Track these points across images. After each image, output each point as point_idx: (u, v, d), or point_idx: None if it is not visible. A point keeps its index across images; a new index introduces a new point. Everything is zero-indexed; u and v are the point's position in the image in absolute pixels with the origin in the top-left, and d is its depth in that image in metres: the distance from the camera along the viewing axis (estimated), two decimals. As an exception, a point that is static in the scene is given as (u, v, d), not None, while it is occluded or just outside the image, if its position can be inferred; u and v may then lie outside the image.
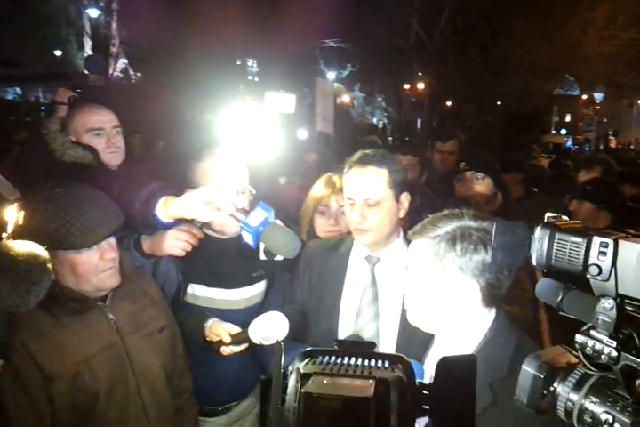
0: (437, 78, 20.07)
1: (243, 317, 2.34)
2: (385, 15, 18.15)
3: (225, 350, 2.15)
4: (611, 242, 0.98)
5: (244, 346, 2.12)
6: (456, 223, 1.56)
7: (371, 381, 0.75)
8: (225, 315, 2.31)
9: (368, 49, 20.43)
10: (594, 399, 0.99)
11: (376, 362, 0.81)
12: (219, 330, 2.15)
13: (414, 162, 4.41)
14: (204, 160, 2.30)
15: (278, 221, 2.34)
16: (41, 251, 1.39)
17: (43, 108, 13.88)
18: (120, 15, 22.41)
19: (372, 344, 0.86)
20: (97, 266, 1.78)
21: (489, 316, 1.61)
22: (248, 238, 1.94)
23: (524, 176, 5.08)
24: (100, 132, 2.68)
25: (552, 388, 1.04)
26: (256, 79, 24.84)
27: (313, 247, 2.40)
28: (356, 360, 0.81)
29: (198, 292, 2.40)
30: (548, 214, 1.09)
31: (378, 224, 2.13)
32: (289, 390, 0.79)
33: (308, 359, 0.82)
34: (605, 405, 0.98)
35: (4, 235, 1.53)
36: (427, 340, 1.71)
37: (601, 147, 27.60)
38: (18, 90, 19.67)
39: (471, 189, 3.17)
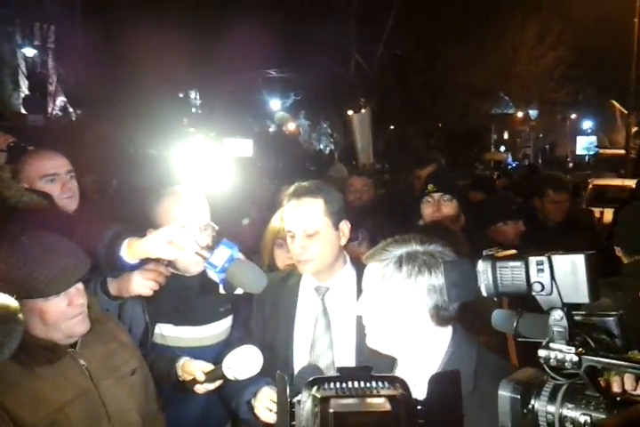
0: (379, 104, 20.55)
1: (212, 353, 2.35)
2: (324, 45, 18.55)
3: (200, 389, 2.14)
4: (545, 259, 1.09)
5: (218, 382, 2.12)
6: (405, 248, 1.62)
7: (383, 399, 0.84)
8: (194, 352, 2.30)
9: (310, 78, 20.78)
10: (569, 406, 1.06)
11: (377, 383, 0.89)
12: (191, 369, 2.14)
13: (369, 184, 4.51)
14: (165, 199, 2.32)
15: (241, 255, 2.38)
16: (11, 301, 1.37)
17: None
18: (56, 53, 22.16)
19: (369, 369, 0.93)
20: (65, 313, 1.76)
21: (446, 333, 1.67)
22: (213, 276, 1.96)
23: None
24: (55, 178, 2.65)
25: (530, 406, 1.10)
26: (199, 111, 24.86)
27: None
28: (359, 383, 0.89)
29: (165, 331, 2.38)
30: (485, 250, 1.20)
31: (318, 254, 2.16)
32: (303, 415, 0.88)
33: (315, 387, 0.89)
34: (581, 408, 1.05)
35: None
36: (387, 364, 1.73)
37: (539, 161, 28.67)
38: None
39: (439, 210, 3.21)
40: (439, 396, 0.91)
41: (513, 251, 1.19)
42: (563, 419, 1.06)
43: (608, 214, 7.18)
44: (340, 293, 2.25)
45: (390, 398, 0.83)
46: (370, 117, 7.05)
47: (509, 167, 23.14)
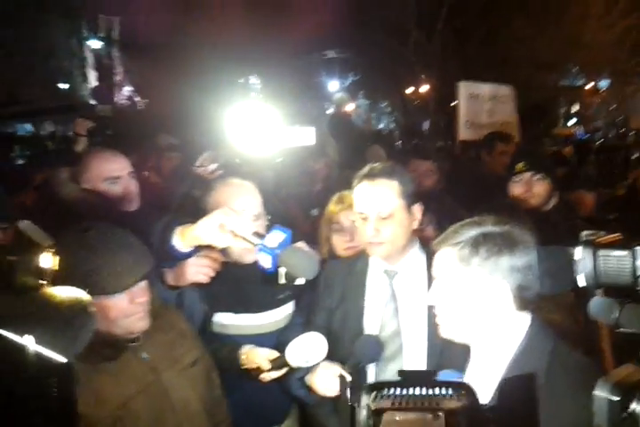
0: (440, 80, 19.97)
1: (273, 340, 2.35)
2: (382, 22, 18.15)
3: (265, 377, 2.12)
4: None
5: (284, 370, 2.09)
6: (478, 229, 1.56)
7: (440, 413, 0.77)
8: (255, 340, 2.30)
9: (368, 56, 20.41)
10: None
11: (440, 390, 0.83)
12: (256, 357, 2.14)
13: (434, 167, 4.24)
14: (217, 189, 2.34)
15: (300, 244, 2.33)
16: (82, 295, 1.37)
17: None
18: (121, 44, 22.73)
19: (434, 373, 0.88)
20: (127, 310, 1.76)
21: (524, 321, 1.59)
22: (266, 261, 1.89)
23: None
24: (116, 181, 2.69)
25: (630, 409, 1.00)
26: (260, 95, 24.94)
27: (330, 269, 2.39)
28: (421, 390, 0.83)
29: (225, 320, 2.39)
30: (584, 233, 1.08)
31: (392, 237, 2.12)
32: (360, 422, 0.83)
33: (374, 393, 0.84)
34: None
35: (43, 282, 1.51)
36: (462, 348, 1.67)
37: (609, 135, 27.27)
38: (27, 126, 19.79)
39: (529, 190, 3.07)
40: (511, 402, 0.83)
41: (615, 236, 1.09)
42: None
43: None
44: (408, 277, 2.21)
45: (449, 413, 0.77)
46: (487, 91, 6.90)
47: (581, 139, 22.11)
